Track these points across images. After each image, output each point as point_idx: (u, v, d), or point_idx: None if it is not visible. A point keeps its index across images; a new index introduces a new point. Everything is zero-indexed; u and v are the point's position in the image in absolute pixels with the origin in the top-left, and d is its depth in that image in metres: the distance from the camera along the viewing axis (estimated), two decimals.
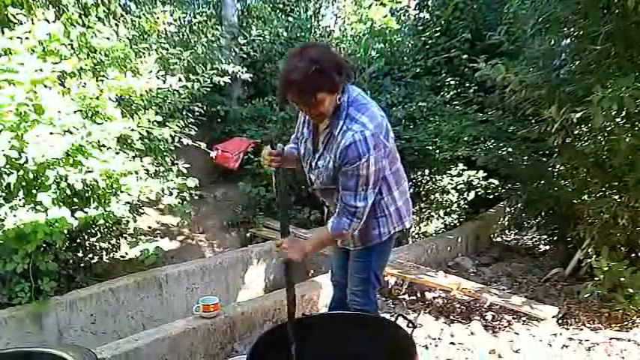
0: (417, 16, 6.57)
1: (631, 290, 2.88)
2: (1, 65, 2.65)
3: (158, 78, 3.41)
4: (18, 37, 2.79)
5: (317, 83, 1.71)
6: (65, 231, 2.82)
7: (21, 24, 2.93)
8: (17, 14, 3.02)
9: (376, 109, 1.88)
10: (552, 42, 3.38)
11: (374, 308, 2.29)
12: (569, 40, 3.37)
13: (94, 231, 3.63)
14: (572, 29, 3.20)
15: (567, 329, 2.96)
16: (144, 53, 3.87)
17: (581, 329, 2.94)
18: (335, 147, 1.85)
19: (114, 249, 3.85)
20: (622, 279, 2.89)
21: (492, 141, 4.41)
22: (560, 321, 3.05)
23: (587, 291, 3.08)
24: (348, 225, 1.91)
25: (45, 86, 2.77)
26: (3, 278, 2.98)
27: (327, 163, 1.91)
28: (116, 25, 3.62)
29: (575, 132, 3.32)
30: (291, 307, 1.96)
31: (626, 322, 2.94)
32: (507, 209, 4.99)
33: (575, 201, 3.52)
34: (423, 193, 5.24)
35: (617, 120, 2.92)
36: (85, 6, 3.50)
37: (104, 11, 3.62)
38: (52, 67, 2.80)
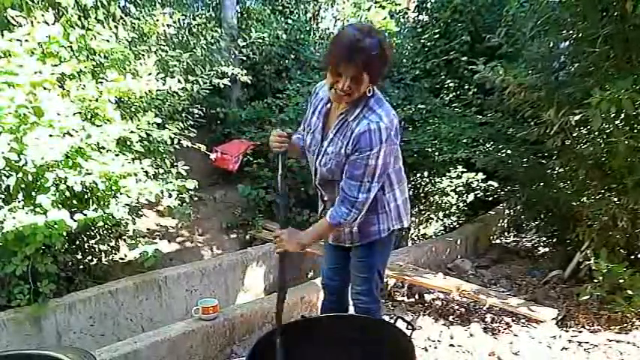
0: (416, 18, 6.59)
1: (630, 292, 2.88)
2: (0, 68, 2.66)
3: (157, 80, 3.41)
4: (17, 40, 2.78)
5: (374, 64, 1.75)
6: (64, 233, 2.81)
7: (20, 26, 2.92)
8: (17, 16, 3.01)
9: (391, 109, 1.94)
10: (551, 44, 3.39)
11: (378, 307, 2.31)
12: (567, 43, 3.38)
13: (93, 233, 3.62)
14: (571, 32, 3.21)
15: (567, 331, 2.96)
16: (143, 55, 3.86)
17: (581, 331, 2.94)
18: (349, 133, 1.88)
19: (113, 251, 3.84)
20: (621, 281, 2.89)
21: (491, 143, 4.43)
22: (559, 323, 3.05)
23: (586, 293, 3.08)
24: (347, 215, 1.92)
25: (44, 88, 2.76)
26: (2, 280, 2.97)
27: (338, 149, 1.93)
28: (115, 27, 3.60)
29: (574, 134, 3.33)
30: (280, 304, 1.96)
31: (625, 324, 2.94)
32: (507, 211, 4.99)
33: (574, 203, 3.52)
34: (422, 195, 5.25)
35: (616, 122, 2.93)
36: (84, 8, 3.48)
37: (104, 13, 3.61)
38: (52, 70, 2.79)
